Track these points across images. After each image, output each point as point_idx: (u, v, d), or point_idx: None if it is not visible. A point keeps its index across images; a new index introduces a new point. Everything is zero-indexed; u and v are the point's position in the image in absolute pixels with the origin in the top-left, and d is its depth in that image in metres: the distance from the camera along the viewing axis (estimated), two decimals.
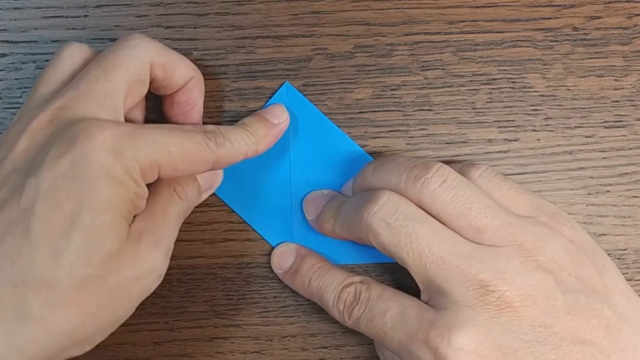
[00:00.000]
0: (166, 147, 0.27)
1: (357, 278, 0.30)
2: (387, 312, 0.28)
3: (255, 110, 0.33)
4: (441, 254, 0.27)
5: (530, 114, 0.34)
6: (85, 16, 0.34)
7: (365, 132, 0.34)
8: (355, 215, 0.29)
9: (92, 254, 0.25)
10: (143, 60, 0.29)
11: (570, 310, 0.27)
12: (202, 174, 0.32)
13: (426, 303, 0.28)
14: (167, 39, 0.34)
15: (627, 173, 0.34)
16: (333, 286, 0.31)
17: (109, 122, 0.27)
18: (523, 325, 0.27)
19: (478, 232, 0.28)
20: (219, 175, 0.33)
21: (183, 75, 0.31)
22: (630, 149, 0.34)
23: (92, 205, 0.25)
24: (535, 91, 0.34)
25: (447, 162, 0.33)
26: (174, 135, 0.27)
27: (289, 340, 0.34)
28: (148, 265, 0.27)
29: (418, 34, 0.34)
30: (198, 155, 0.28)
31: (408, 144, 0.34)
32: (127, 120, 0.30)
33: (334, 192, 0.33)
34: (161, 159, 0.27)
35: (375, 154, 0.34)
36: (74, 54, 0.30)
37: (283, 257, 0.33)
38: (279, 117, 0.32)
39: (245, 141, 0.30)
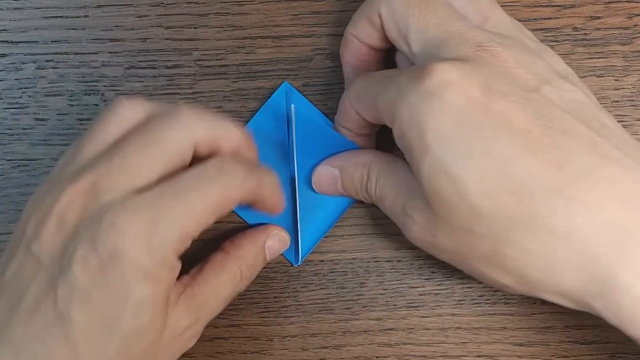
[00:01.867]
0: (195, 216, 0.26)
1: None
2: (389, 75, 0.28)
3: (255, 111, 0.33)
4: (445, 18, 0.27)
5: None
6: (85, 16, 0.34)
7: None
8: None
9: (132, 349, 0.26)
10: (187, 140, 0.27)
11: (567, 97, 0.26)
12: (272, 244, 0.32)
13: None
14: (167, 39, 0.34)
15: None
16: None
17: (136, 207, 0.25)
18: (518, 79, 0.26)
19: (484, 19, 0.28)
20: (287, 242, 0.33)
21: (228, 149, 0.29)
22: None
23: (129, 309, 0.25)
24: None
25: None
26: (195, 195, 0.26)
27: (289, 340, 0.34)
28: (186, 346, 0.29)
29: None
30: (222, 201, 0.27)
31: None
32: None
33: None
34: (192, 230, 0.26)
35: None
36: (126, 115, 0.28)
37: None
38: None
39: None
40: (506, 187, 0.24)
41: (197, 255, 0.31)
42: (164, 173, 0.27)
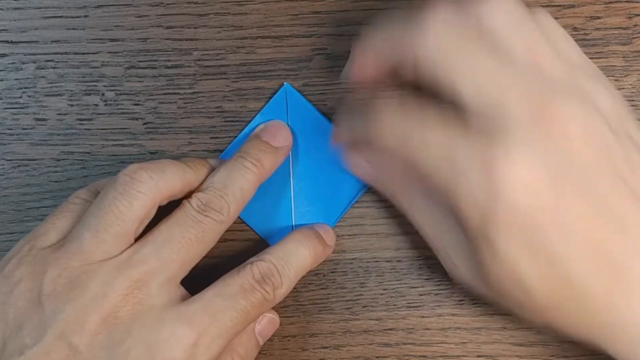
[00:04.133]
0: (234, 332, 0.28)
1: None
2: (427, 120, 0.25)
3: (255, 111, 0.33)
4: (500, 73, 0.24)
5: None
6: (85, 16, 0.34)
7: None
8: (407, 24, 0.26)
9: None
10: (222, 232, 0.30)
11: (625, 159, 0.25)
12: (262, 328, 0.32)
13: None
14: (167, 39, 0.34)
15: None
16: (359, 110, 0.28)
17: (190, 318, 0.27)
18: (580, 162, 0.24)
19: (536, 62, 0.25)
20: (276, 322, 0.33)
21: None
22: None
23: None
24: None
25: None
26: (239, 312, 0.28)
27: (289, 340, 0.34)
28: None
29: None
30: (259, 314, 0.29)
31: None
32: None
33: None
34: (229, 341, 0.28)
35: None
36: (150, 190, 0.28)
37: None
38: (331, 240, 0.32)
39: (303, 267, 0.31)
40: (568, 292, 0.25)
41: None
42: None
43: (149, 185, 0.28)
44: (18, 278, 0.27)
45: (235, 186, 0.29)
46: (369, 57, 0.28)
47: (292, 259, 0.30)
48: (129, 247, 0.28)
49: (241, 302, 0.28)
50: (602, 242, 0.24)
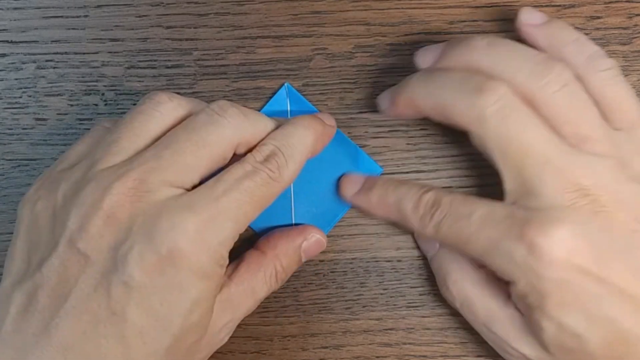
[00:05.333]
0: (244, 215, 0.27)
1: (434, 186, 0.30)
2: (473, 213, 0.28)
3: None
4: (543, 154, 0.27)
5: None
6: (85, 16, 0.34)
7: (365, 132, 0.34)
8: (465, 99, 0.28)
9: (180, 347, 0.27)
10: (233, 141, 0.28)
11: None
12: (309, 246, 0.32)
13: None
14: (167, 38, 0.34)
15: None
16: (411, 194, 0.30)
17: (193, 206, 0.26)
18: (616, 230, 0.27)
19: (582, 140, 0.28)
20: (323, 244, 0.33)
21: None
22: None
23: (184, 308, 0.26)
24: None
25: (453, 157, 0.33)
26: (244, 193, 0.27)
27: (289, 340, 0.34)
28: (220, 344, 0.30)
29: (418, 34, 0.34)
30: (269, 196, 0.28)
31: (408, 144, 0.34)
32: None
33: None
34: (242, 227, 0.27)
35: (375, 154, 0.34)
36: (168, 111, 0.28)
37: (352, 179, 0.33)
38: (330, 120, 0.32)
39: (305, 145, 0.29)
40: (619, 338, 0.27)
41: None
42: (208, 173, 0.28)
43: (167, 107, 0.28)
44: (36, 198, 0.27)
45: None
46: (410, 109, 0.30)
47: (293, 139, 0.29)
48: None
49: (245, 182, 0.27)
50: None
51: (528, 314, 0.28)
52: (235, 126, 0.28)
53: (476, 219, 0.28)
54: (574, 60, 0.29)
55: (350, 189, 0.32)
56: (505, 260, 0.27)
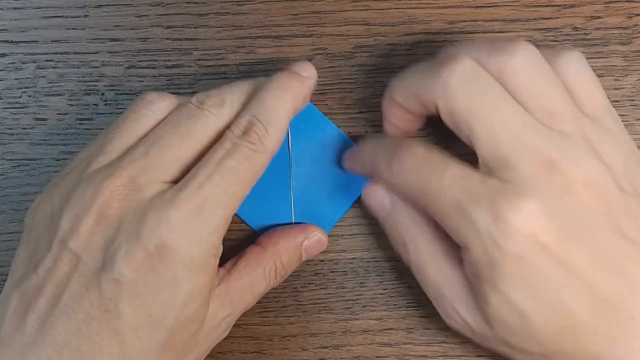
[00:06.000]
0: (232, 197, 0.27)
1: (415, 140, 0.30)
2: (447, 170, 0.27)
3: None
4: (514, 127, 0.26)
5: None
6: (85, 16, 0.34)
7: (366, 132, 0.34)
8: (429, 74, 0.28)
9: (176, 340, 0.27)
10: (218, 129, 0.28)
11: (625, 210, 0.27)
12: (310, 244, 0.32)
13: None
14: (167, 38, 0.34)
15: None
16: (387, 142, 0.30)
17: (178, 200, 0.26)
18: (584, 212, 0.26)
19: (549, 116, 0.27)
20: (324, 244, 0.33)
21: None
22: None
23: (178, 301, 0.26)
24: None
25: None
26: (227, 174, 0.27)
27: (289, 340, 0.34)
28: (220, 338, 0.30)
29: (418, 34, 0.34)
30: (256, 170, 0.28)
31: None
32: None
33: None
34: (232, 210, 0.27)
35: None
36: (159, 109, 0.29)
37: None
38: (307, 70, 0.30)
39: (283, 107, 0.28)
40: (565, 324, 0.26)
41: None
42: (196, 161, 0.28)
43: (159, 106, 0.29)
44: (38, 204, 0.28)
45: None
46: (397, 109, 0.30)
47: (269, 103, 0.28)
48: None
49: (226, 162, 0.27)
50: (598, 281, 0.26)
51: (476, 284, 0.27)
52: (218, 116, 0.28)
53: (448, 177, 0.27)
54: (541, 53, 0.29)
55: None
56: (467, 224, 0.26)
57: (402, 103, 0.30)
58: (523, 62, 0.27)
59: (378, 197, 0.31)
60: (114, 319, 0.25)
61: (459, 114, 0.27)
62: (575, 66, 0.28)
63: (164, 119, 0.29)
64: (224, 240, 0.33)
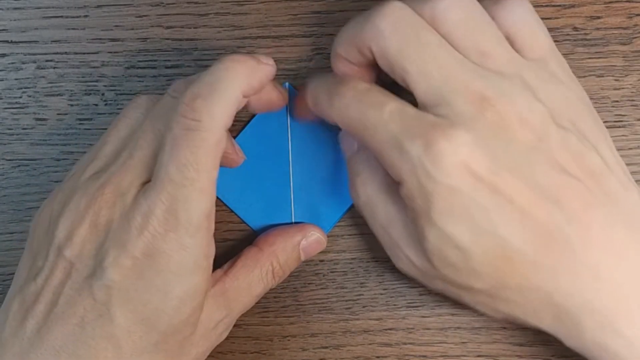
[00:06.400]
0: (201, 194, 0.26)
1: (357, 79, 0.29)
2: (385, 105, 0.27)
3: (255, 114, 0.33)
4: (447, 66, 0.26)
5: None
6: (85, 16, 0.34)
7: None
8: (362, 21, 0.28)
9: (169, 342, 0.27)
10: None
11: (563, 145, 0.27)
12: (307, 244, 0.32)
13: None
14: (167, 39, 0.34)
15: None
16: (331, 79, 0.29)
17: (156, 202, 0.26)
18: (519, 145, 0.26)
19: (483, 56, 0.27)
20: (323, 243, 0.33)
21: None
22: (631, 149, 0.34)
23: (170, 305, 0.26)
24: None
25: None
26: (179, 161, 0.26)
27: (289, 340, 0.34)
28: (219, 340, 0.30)
29: None
30: (204, 148, 0.26)
31: None
32: None
33: None
34: (209, 206, 0.27)
35: None
36: (139, 113, 0.29)
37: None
38: (264, 58, 0.29)
39: (229, 82, 0.27)
40: (504, 255, 0.26)
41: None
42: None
43: (149, 108, 0.29)
44: (39, 212, 0.29)
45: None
46: (342, 63, 0.30)
47: (211, 77, 0.27)
48: None
49: (174, 147, 0.26)
50: (535, 211, 0.26)
51: (414, 219, 0.27)
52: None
53: (386, 110, 0.27)
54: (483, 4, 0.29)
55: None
56: (401, 157, 0.26)
57: (344, 55, 0.29)
58: (454, 6, 0.27)
59: (350, 138, 0.31)
60: (107, 323, 0.26)
61: (392, 56, 0.27)
62: (516, 11, 0.28)
63: None
64: (224, 240, 0.33)
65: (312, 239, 0.32)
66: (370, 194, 0.30)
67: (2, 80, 0.34)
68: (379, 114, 0.27)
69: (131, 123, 0.29)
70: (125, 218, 0.26)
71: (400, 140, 0.26)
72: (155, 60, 0.34)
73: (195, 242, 0.26)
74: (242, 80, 0.27)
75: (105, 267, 0.26)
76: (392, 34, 0.27)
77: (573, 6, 0.34)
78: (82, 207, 0.27)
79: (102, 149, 0.29)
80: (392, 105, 0.27)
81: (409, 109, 0.27)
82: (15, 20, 0.34)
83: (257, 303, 0.33)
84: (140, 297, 0.26)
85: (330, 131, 0.33)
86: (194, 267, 0.27)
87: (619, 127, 0.34)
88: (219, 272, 0.30)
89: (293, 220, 0.33)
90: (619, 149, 0.34)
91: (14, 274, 0.29)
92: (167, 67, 0.34)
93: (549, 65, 0.28)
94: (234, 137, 0.33)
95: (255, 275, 0.31)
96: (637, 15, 0.34)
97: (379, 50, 0.27)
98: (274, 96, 0.30)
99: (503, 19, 0.28)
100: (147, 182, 0.27)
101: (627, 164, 0.34)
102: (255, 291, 0.31)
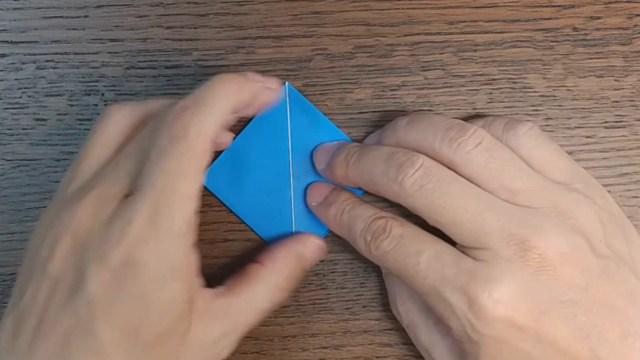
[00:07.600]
0: (183, 200, 0.26)
1: (390, 214, 0.30)
2: (422, 252, 0.28)
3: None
4: (477, 211, 0.27)
5: (531, 115, 0.34)
6: (85, 16, 0.34)
7: (365, 132, 0.34)
8: (385, 174, 0.29)
9: (157, 352, 0.26)
10: None
11: (601, 275, 0.27)
12: (308, 253, 0.32)
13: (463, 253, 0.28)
14: (167, 39, 0.34)
15: (627, 173, 0.34)
16: (364, 217, 0.30)
17: (133, 213, 0.26)
18: (560, 285, 0.27)
19: (512, 194, 0.28)
20: (323, 249, 0.33)
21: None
22: (631, 149, 0.34)
23: (153, 314, 0.26)
24: (535, 91, 0.34)
25: None
26: (163, 170, 0.26)
27: (289, 340, 0.34)
28: (218, 357, 0.29)
29: (418, 34, 0.34)
30: (189, 159, 0.26)
31: None
32: None
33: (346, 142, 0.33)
34: (190, 213, 0.26)
35: None
36: (120, 119, 0.29)
37: (319, 189, 0.32)
38: (254, 75, 0.30)
39: (218, 96, 0.27)
40: None
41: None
42: None
43: (118, 117, 0.29)
44: (32, 234, 0.29)
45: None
46: (344, 179, 0.31)
47: (201, 92, 0.27)
48: None
49: (164, 163, 0.26)
50: (575, 350, 0.27)
51: (462, 355, 0.28)
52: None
53: (423, 260, 0.28)
54: (494, 135, 0.29)
55: (321, 161, 0.32)
56: (445, 307, 0.27)
57: (353, 182, 0.31)
58: (471, 147, 0.28)
59: (322, 154, 0.32)
60: (91, 338, 0.25)
61: (422, 212, 0.28)
62: (534, 141, 0.29)
63: (132, 127, 0.29)
64: (224, 240, 0.33)
65: (312, 247, 0.32)
66: (413, 317, 0.31)
67: (2, 80, 0.34)
68: (415, 265, 0.28)
69: (103, 135, 0.29)
70: (105, 229, 0.26)
71: (441, 292, 0.27)
72: (155, 61, 0.34)
73: (174, 249, 0.26)
74: (230, 95, 0.28)
75: (86, 281, 0.26)
76: (419, 193, 0.28)
77: (573, 6, 0.34)
78: (64, 221, 0.27)
79: (79, 166, 0.29)
80: (429, 252, 0.28)
81: (446, 255, 0.28)
82: (15, 20, 0.34)
83: None
84: (122, 308, 0.26)
85: (330, 131, 0.33)
86: (173, 275, 0.26)
87: (619, 127, 0.34)
88: (220, 288, 0.30)
89: (293, 220, 0.33)
90: (619, 149, 0.34)
91: (14, 274, 0.29)
92: (167, 67, 0.34)
93: (574, 183, 0.29)
94: (234, 137, 0.33)
95: (259, 292, 0.30)
96: (637, 15, 0.34)
97: (407, 206, 0.29)
98: (265, 99, 0.31)
99: (518, 146, 0.29)
100: (131, 194, 0.27)
101: (627, 164, 0.34)
102: (260, 307, 0.30)
